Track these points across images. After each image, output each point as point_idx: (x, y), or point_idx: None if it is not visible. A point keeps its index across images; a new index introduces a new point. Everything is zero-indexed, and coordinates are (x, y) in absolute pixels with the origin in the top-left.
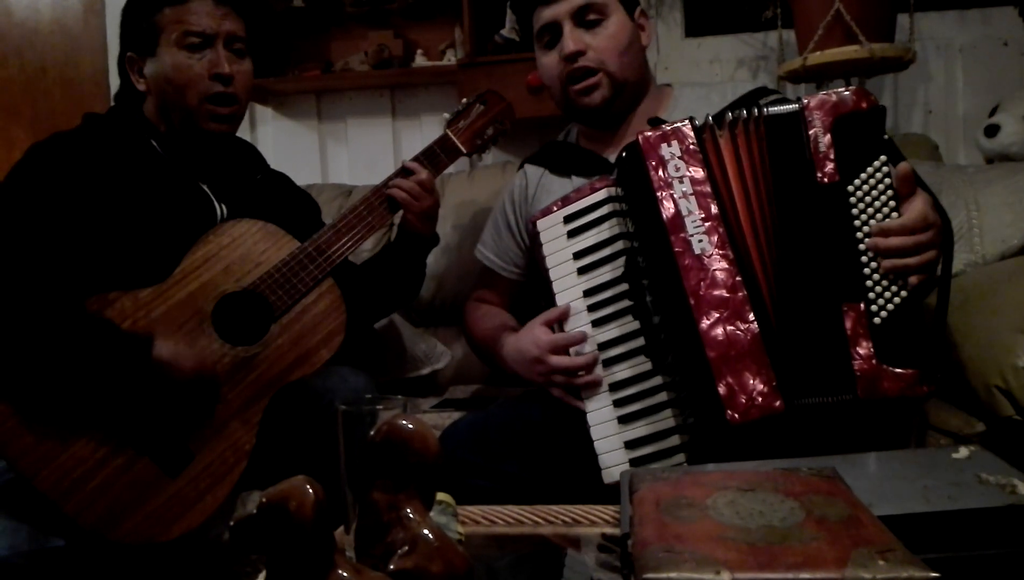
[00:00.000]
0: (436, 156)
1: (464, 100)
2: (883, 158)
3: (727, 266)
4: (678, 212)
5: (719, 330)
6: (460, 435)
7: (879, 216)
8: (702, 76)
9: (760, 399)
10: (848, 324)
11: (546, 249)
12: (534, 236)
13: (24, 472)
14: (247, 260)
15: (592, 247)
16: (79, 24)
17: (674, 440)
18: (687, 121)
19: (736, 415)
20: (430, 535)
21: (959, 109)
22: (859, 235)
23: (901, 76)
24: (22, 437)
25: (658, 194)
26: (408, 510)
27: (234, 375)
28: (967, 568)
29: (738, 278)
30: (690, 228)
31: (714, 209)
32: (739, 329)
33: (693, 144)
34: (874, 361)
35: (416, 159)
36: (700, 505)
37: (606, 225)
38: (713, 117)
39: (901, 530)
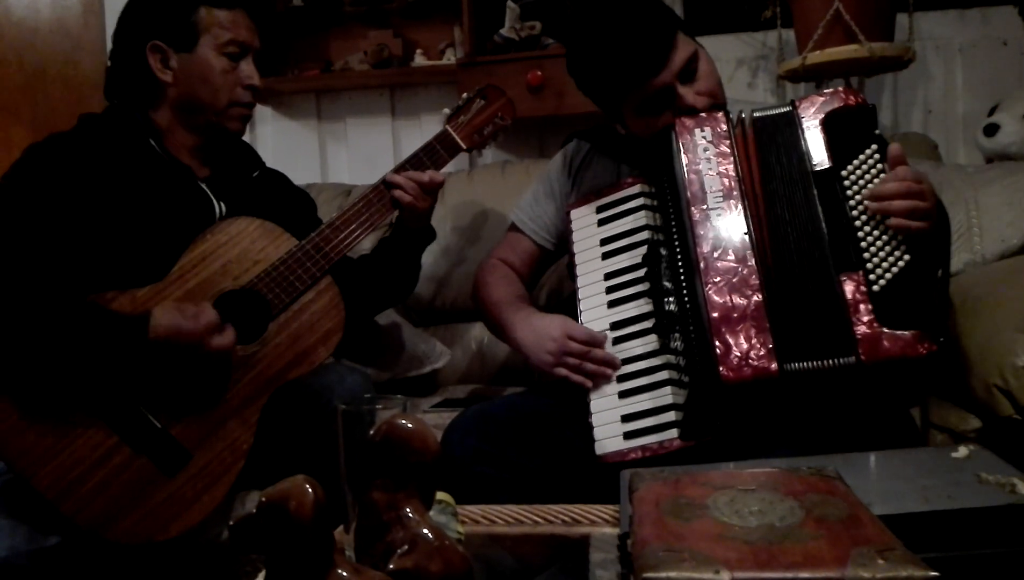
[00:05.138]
0: (436, 152)
1: (464, 95)
2: (875, 147)
3: (740, 240)
4: (701, 187)
5: (724, 295)
6: (469, 423)
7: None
8: None
9: (755, 360)
10: (848, 291)
11: (576, 236)
12: (567, 225)
13: (22, 472)
14: (245, 258)
15: (618, 235)
16: (79, 24)
17: (669, 416)
18: (721, 112)
19: (730, 374)
20: (429, 534)
21: (958, 108)
22: (854, 213)
23: (900, 76)
24: (20, 437)
25: (685, 169)
26: (408, 509)
27: (232, 374)
28: (967, 567)
29: (749, 251)
30: (710, 202)
31: (734, 189)
32: (744, 296)
33: (723, 130)
34: (875, 325)
35: (416, 155)
36: (700, 504)
37: (635, 216)
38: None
39: (901, 529)
